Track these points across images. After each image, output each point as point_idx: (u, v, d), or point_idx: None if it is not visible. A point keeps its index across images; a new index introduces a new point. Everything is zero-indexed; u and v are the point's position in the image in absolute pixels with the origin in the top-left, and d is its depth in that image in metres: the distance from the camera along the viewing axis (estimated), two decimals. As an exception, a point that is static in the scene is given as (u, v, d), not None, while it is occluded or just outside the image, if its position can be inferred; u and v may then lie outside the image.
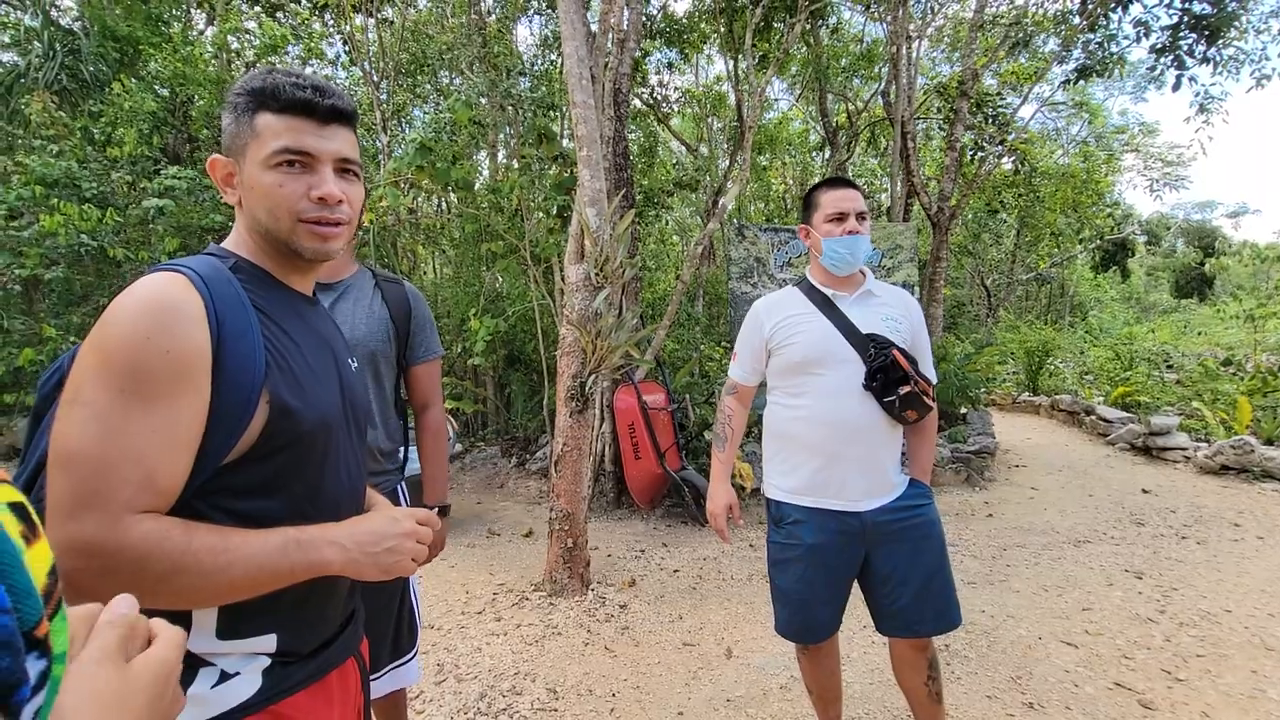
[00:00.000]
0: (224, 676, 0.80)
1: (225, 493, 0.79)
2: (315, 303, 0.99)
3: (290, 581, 0.79)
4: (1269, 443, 5.85)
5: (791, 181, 14.50)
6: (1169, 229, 26.78)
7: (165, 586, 0.71)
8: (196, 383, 0.74)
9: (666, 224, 14.77)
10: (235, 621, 0.81)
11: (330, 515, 0.88)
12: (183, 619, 0.78)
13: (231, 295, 0.80)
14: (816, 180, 1.98)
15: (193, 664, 0.79)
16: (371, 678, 1.64)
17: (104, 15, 7.57)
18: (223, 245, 0.89)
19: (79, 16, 8.06)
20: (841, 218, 1.78)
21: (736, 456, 4.92)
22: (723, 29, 8.43)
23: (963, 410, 7.10)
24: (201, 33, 8.91)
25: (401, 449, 1.80)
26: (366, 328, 1.66)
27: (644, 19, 7.45)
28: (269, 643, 0.83)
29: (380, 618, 1.66)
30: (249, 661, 0.82)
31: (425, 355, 1.80)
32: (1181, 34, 6.48)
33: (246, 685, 0.81)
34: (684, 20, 8.59)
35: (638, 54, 7.05)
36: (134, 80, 6.74)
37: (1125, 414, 7.47)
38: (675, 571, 3.85)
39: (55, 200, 5.75)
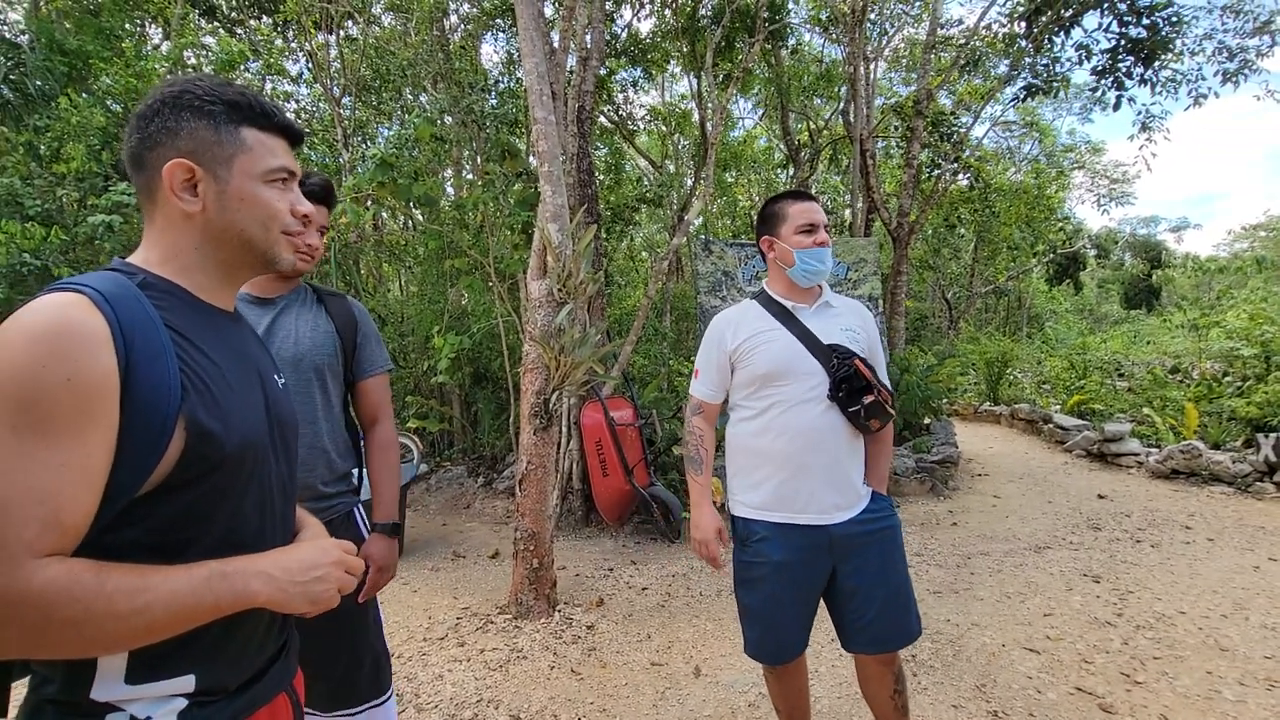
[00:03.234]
0: None
1: (140, 526, 0.74)
2: (237, 318, 0.95)
3: (215, 617, 0.75)
4: (1215, 447, 6.07)
5: (757, 198, 14.74)
6: (1117, 243, 27.89)
7: (76, 634, 0.66)
8: (103, 411, 0.69)
9: (635, 240, 14.84)
10: (147, 663, 0.75)
11: (257, 544, 0.83)
12: (86, 663, 0.72)
13: (141, 315, 0.75)
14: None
15: (96, 711, 0.73)
16: (352, 712, 1.58)
17: (52, 29, 7.34)
18: (128, 260, 0.84)
19: (25, 30, 7.82)
20: (812, 229, 1.78)
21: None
22: (685, 48, 8.56)
23: (926, 421, 7.22)
24: (156, 47, 8.71)
25: (355, 470, 1.74)
26: (311, 340, 1.61)
27: (608, 38, 7.53)
28: (186, 683, 0.78)
29: (363, 651, 1.61)
30: (162, 705, 0.76)
31: (373, 369, 1.76)
32: (1120, 57, 6.78)
33: None
34: (647, 40, 8.70)
35: (602, 72, 7.10)
36: (84, 95, 6.53)
37: (1081, 421, 7.70)
38: (644, 589, 3.80)
39: (-4, 218, 5.52)
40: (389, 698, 1.68)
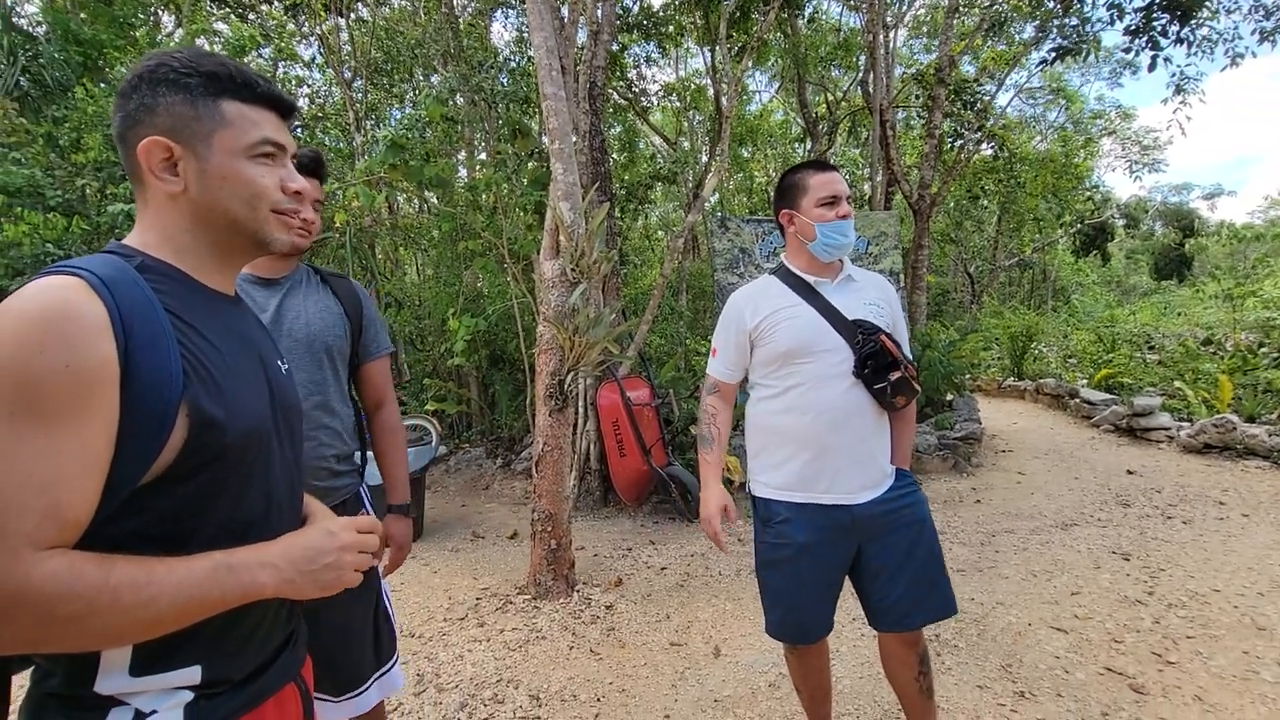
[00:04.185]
0: (139, 717, 0.72)
1: (143, 516, 0.72)
2: (238, 301, 0.92)
3: (221, 609, 0.73)
4: (1250, 420, 5.89)
5: (774, 173, 14.49)
6: (1147, 212, 27.00)
7: (80, 629, 0.64)
8: (103, 399, 0.67)
9: (650, 218, 14.71)
10: (152, 655, 0.73)
11: (263, 532, 0.81)
12: (89, 656, 0.71)
13: (140, 299, 0.72)
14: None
15: (100, 705, 0.71)
16: (359, 691, 1.58)
17: (67, 19, 7.38)
18: (124, 243, 0.81)
19: (41, 21, 7.86)
20: (834, 201, 1.70)
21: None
22: (699, 21, 8.36)
23: (949, 397, 7.10)
24: (169, 35, 8.72)
25: (358, 451, 1.73)
26: (321, 321, 1.60)
27: (620, 11, 7.37)
28: (192, 675, 0.76)
29: (360, 629, 1.61)
30: (168, 698, 0.75)
31: (378, 352, 1.75)
32: (1154, 14, 6.49)
33: None
34: (660, 13, 8.51)
35: (615, 48, 6.97)
36: (100, 85, 6.57)
37: (1109, 396, 7.51)
38: (663, 569, 3.80)
39: (19, 209, 5.59)
40: (393, 664, 1.67)
